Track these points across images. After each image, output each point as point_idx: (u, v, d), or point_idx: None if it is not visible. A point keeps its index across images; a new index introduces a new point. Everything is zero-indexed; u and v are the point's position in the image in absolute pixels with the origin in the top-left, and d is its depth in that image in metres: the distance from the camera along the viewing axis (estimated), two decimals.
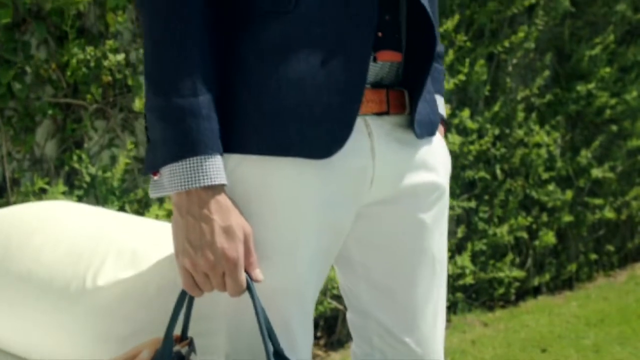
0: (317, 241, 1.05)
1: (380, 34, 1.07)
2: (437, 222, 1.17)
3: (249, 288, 1.00)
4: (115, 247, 1.20)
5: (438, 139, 1.19)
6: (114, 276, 1.15)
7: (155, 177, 1.01)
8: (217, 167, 0.98)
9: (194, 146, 0.97)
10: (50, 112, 2.14)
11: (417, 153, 1.14)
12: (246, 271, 1.00)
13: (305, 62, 1.01)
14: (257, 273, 1.01)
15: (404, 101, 1.13)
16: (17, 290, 1.25)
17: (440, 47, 1.24)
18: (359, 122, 1.06)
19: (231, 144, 1.01)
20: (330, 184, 1.05)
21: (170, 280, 1.11)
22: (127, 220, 1.35)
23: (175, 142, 0.98)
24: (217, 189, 0.99)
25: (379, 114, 1.09)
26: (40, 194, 2.11)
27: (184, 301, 1.03)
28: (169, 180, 0.99)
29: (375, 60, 1.07)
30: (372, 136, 1.08)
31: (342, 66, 1.02)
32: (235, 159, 1.02)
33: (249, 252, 1.00)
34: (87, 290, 1.15)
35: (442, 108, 1.24)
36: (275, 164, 1.02)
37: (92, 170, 2.21)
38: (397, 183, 1.12)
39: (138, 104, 2.23)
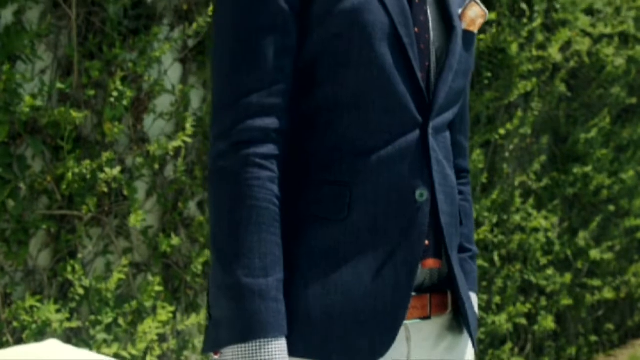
0: None
1: (427, 242, 1.10)
2: None
3: None
4: None
5: (468, 339, 1.21)
6: None
7: (216, 357, 1.02)
8: (282, 350, 1.00)
9: (262, 328, 0.99)
10: (44, 226, 2.12)
11: (447, 354, 1.15)
12: None
13: (354, 268, 1.04)
14: None
15: (446, 301, 1.15)
16: None
17: (475, 248, 1.29)
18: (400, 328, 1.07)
19: None
20: None
21: None
22: None
23: (243, 322, 0.99)
24: None
25: (422, 318, 1.11)
26: (33, 310, 2.07)
27: None
28: None
29: (420, 268, 1.10)
30: (410, 342, 1.10)
31: (390, 274, 1.04)
32: None
33: None
34: None
35: (476, 306, 1.26)
36: None
37: (86, 282, 2.18)
38: None
39: (133, 219, 2.20)
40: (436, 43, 1.12)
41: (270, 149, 1.03)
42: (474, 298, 1.24)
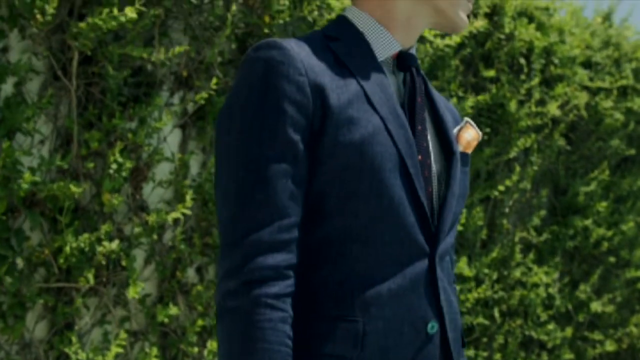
0: None
1: None
2: None
3: None
4: None
5: None
6: None
7: None
8: None
9: None
10: (41, 301, 2.10)
11: None
12: None
13: None
14: None
15: None
16: None
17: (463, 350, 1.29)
18: None
19: None
20: None
21: None
22: None
23: None
24: None
25: None
26: None
27: None
28: None
29: None
30: None
31: None
32: None
33: None
34: None
35: None
36: None
37: (82, 356, 2.15)
38: None
39: (132, 291, 2.18)
40: (436, 166, 1.12)
41: (281, 287, 1.00)
42: None
